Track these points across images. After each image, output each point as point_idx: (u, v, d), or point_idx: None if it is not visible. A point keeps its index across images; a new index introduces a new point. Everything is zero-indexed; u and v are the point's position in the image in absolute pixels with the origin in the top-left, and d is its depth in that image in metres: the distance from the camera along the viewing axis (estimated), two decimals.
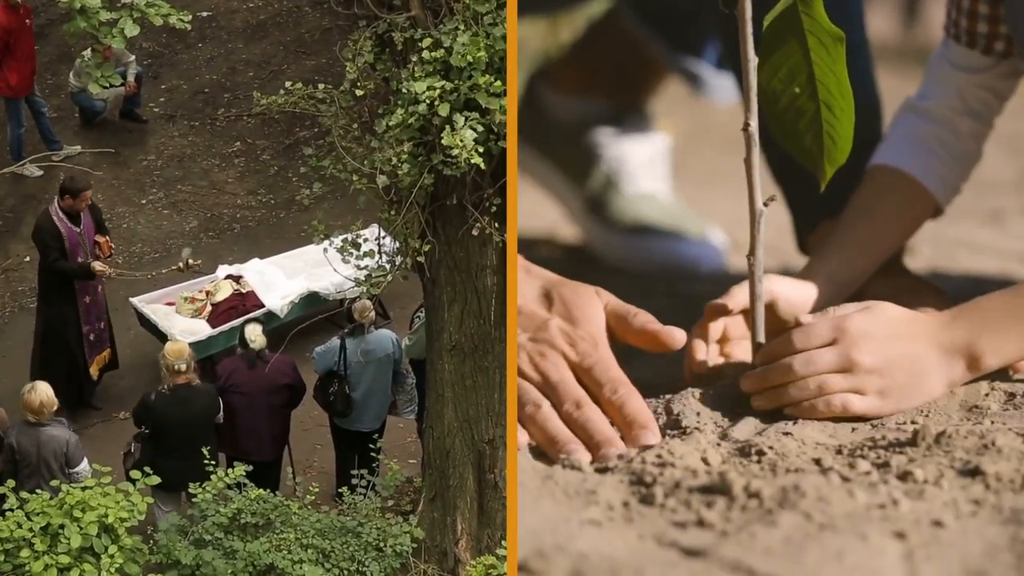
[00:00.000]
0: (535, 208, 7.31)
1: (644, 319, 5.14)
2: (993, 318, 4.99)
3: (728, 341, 5.33)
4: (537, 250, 6.97)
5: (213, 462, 7.52)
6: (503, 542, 7.06)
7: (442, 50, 6.43)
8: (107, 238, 9.31)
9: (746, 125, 4.81)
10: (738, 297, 5.26)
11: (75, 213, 8.92)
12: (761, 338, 5.12)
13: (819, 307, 5.40)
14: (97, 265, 8.95)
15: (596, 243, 7.19)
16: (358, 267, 7.25)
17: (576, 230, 7.36)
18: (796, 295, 5.34)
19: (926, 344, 4.97)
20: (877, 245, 5.67)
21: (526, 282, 5.25)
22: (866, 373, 4.90)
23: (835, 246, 5.62)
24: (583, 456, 4.71)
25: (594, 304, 5.18)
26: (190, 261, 9.54)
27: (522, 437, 4.83)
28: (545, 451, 4.80)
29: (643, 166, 7.20)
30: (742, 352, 5.28)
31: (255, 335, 8.33)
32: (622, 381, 4.96)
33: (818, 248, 5.71)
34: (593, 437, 4.78)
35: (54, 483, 7.08)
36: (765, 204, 4.97)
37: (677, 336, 5.13)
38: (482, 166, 6.42)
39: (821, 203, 5.63)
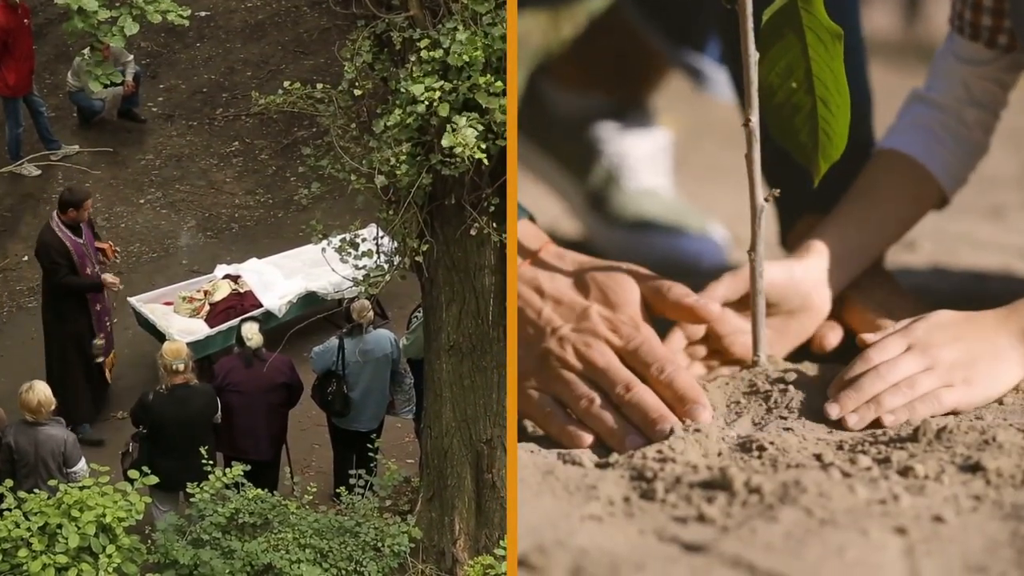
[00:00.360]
0: (536, 204, 7.26)
1: (679, 292, 5.21)
2: None
3: (721, 337, 5.33)
4: None
5: (211, 462, 7.51)
6: (501, 542, 7.05)
7: (440, 50, 6.43)
8: (109, 243, 9.30)
9: (747, 121, 4.82)
10: (717, 291, 5.28)
11: (77, 224, 8.88)
12: (763, 332, 5.12)
13: (811, 284, 5.38)
14: (108, 277, 8.95)
15: (597, 239, 7.17)
16: (356, 267, 7.24)
17: (577, 225, 7.34)
18: (779, 278, 5.32)
19: (996, 333, 5.05)
20: (877, 226, 5.65)
21: (559, 270, 5.30)
22: (950, 367, 4.96)
23: (833, 226, 5.59)
24: (640, 444, 4.75)
25: (630, 285, 5.25)
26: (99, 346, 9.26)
27: (587, 437, 4.89)
28: (606, 444, 4.84)
29: (644, 161, 7.18)
30: (740, 348, 5.29)
31: (252, 333, 8.31)
32: (668, 359, 5.02)
33: (812, 232, 5.68)
34: (648, 415, 4.84)
35: (52, 483, 7.06)
36: (766, 199, 4.98)
37: (712, 309, 5.20)
38: (485, 161, 6.42)
39: (805, 200, 5.63)
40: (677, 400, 4.89)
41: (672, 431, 4.75)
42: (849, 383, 4.96)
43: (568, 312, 5.18)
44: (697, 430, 4.77)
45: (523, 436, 5.05)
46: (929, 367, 4.96)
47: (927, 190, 5.78)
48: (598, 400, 4.93)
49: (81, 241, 8.86)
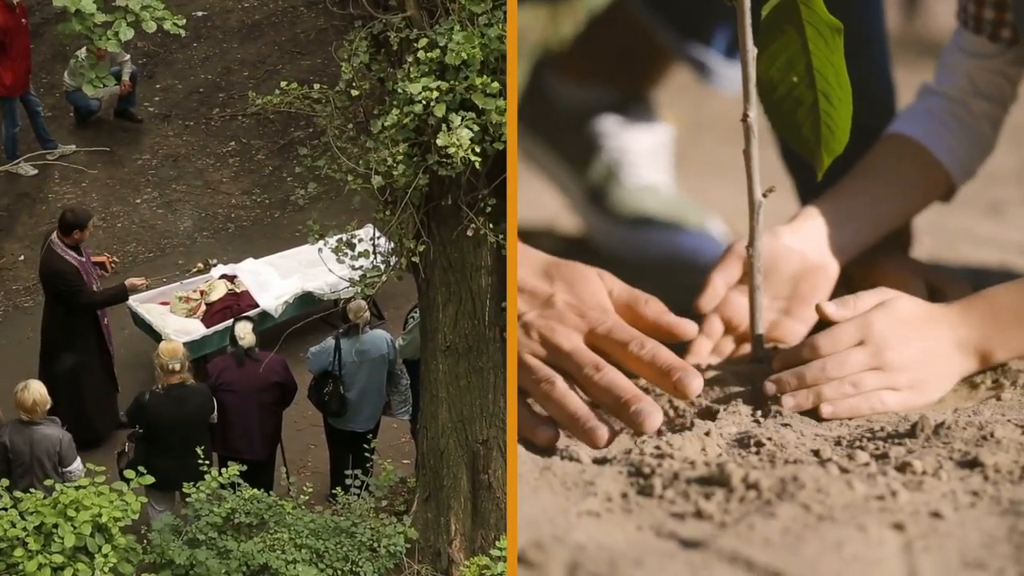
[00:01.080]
0: (536, 199, 7.29)
1: (657, 309, 5.11)
2: (1003, 314, 5.03)
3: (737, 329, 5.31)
4: (537, 241, 6.95)
5: (207, 462, 7.50)
6: (497, 542, 7.05)
7: (438, 50, 6.42)
8: (107, 254, 9.28)
9: (745, 116, 4.82)
10: (718, 283, 5.26)
11: (77, 245, 8.84)
12: (761, 327, 5.12)
13: (803, 243, 5.38)
14: (134, 280, 8.93)
15: (596, 234, 7.15)
16: (353, 267, 7.23)
17: (577, 220, 7.33)
18: (765, 245, 5.27)
19: (945, 338, 5.02)
20: (874, 195, 5.61)
21: (524, 262, 5.22)
22: (896, 370, 4.94)
23: (828, 197, 5.57)
24: (604, 433, 4.65)
25: (596, 282, 5.15)
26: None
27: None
28: (565, 428, 4.75)
29: (645, 157, 7.15)
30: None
31: (244, 332, 8.30)
32: (645, 337, 4.88)
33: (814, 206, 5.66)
34: (620, 397, 4.70)
35: (48, 482, 7.05)
36: (764, 195, 4.98)
37: (689, 328, 5.11)
38: (478, 165, 6.42)
39: (820, 190, 5.63)
40: (662, 373, 4.75)
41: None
42: (793, 366, 4.93)
43: (532, 299, 5.06)
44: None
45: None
46: (877, 367, 4.92)
47: (931, 173, 5.77)
48: (559, 385, 4.76)
49: (83, 259, 8.85)
